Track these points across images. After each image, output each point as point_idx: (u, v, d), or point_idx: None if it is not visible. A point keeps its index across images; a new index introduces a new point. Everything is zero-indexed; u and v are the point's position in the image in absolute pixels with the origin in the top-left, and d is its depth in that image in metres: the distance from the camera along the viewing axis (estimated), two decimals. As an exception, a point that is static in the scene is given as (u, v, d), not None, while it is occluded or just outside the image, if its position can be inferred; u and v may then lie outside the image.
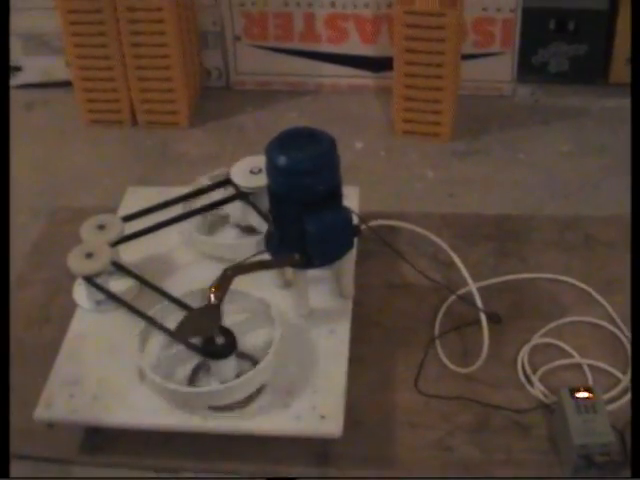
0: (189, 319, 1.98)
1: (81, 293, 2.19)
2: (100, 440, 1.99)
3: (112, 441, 1.98)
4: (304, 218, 1.93)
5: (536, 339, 2.21)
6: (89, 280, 2.12)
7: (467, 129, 3.09)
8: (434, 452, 2.00)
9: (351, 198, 2.31)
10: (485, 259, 2.46)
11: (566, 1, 3.15)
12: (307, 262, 2.02)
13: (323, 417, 1.90)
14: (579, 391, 1.96)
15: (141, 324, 2.01)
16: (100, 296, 2.15)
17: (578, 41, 3.21)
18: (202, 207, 2.27)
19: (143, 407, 1.95)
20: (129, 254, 2.25)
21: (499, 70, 3.24)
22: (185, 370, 2.01)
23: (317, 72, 3.35)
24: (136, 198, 2.38)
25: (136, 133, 3.20)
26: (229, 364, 1.94)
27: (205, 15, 3.27)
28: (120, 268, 2.17)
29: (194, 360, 2.01)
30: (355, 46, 3.26)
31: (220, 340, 1.93)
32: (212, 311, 1.93)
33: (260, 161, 2.04)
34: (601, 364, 2.14)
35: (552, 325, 2.25)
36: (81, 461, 2.02)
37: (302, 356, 2.03)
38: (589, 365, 2.14)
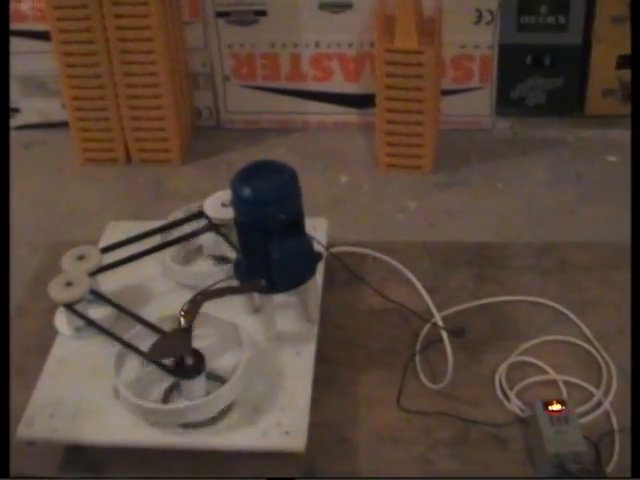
0: (161, 342, 2.10)
1: (62, 321, 2.33)
2: (98, 459, 2.09)
3: (109, 459, 2.08)
4: (268, 246, 2.07)
5: (513, 357, 2.32)
6: (69, 307, 2.25)
7: (448, 161, 3.16)
8: (416, 466, 2.10)
9: (319, 229, 2.46)
10: (465, 284, 2.59)
11: (542, 37, 3.21)
12: (272, 287, 2.16)
13: (287, 433, 2.03)
14: (552, 404, 2.08)
15: (117, 347, 2.12)
16: (79, 323, 2.31)
17: (554, 75, 3.29)
18: (176, 238, 2.43)
19: (118, 425, 2.09)
20: (108, 284, 2.40)
21: (478, 105, 3.31)
22: (159, 390, 2.13)
23: (303, 110, 3.41)
24: (116, 231, 2.52)
25: (130, 170, 3.27)
26: (198, 384, 2.06)
27: (195, 57, 3.34)
28: (98, 296, 2.31)
29: (167, 381, 2.13)
30: (339, 84, 3.34)
31: (189, 361, 2.04)
32: (183, 334, 2.05)
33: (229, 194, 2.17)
34: (576, 380, 2.27)
35: (529, 344, 2.38)
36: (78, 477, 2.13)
37: (269, 376, 2.18)
38: (564, 381, 2.26)
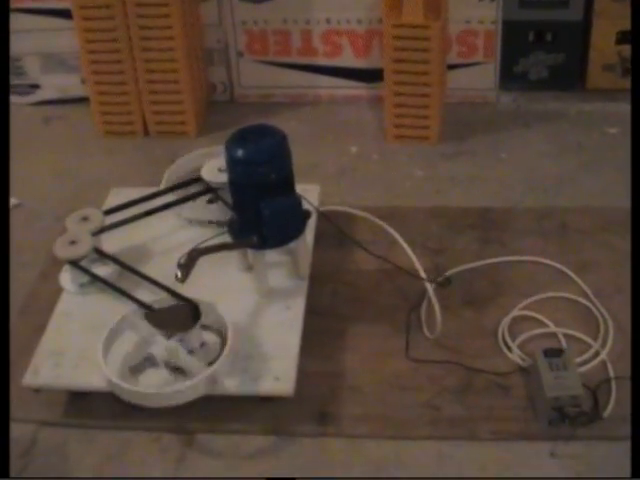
0: (169, 312, 2.23)
1: (66, 278, 2.47)
2: (119, 407, 2.21)
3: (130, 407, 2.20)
4: (260, 204, 2.22)
5: (515, 312, 2.44)
6: (73, 264, 2.38)
7: (454, 133, 3.27)
8: (423, 410, 2.23)
9: (312, 194, 2.62)
10: (469, 245, 2.71)
11: (544, 13, 3.30)
12: (263, 243, 2.31)
13: (277, 379, 2.17)
14: (552, 352, 2.19)
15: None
16: (83, 280, 2.45)
17: (556, 50, 3.38)
18: (175, 201, 2.60)
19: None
20: (110, 244, 2.53)
21: (483, 79, 3.41)
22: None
23: (314, 84, 3.51)
24: (119, 197, 2.69)
25: (147, 142, 3.38)
26: (195, 334, 2.18)
27: (210, 33, 3.45)
28: (101, 254, 2.45)
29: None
30: (349, 59, 3.44)
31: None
32: (189, 309, 2.19)
33: None
34: (575, 332, 2.38)
35: (530, 300, 2.50)
36: (108, 425, 2.25)
37: (261, 329, 2.30)
38: (564, 334, 2.38)
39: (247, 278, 2.43)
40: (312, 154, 3.20)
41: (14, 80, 3.61)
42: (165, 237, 2.58)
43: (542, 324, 2.40)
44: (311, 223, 2.48)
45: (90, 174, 3.21)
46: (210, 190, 2.58)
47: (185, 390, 2.08)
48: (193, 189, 2.61)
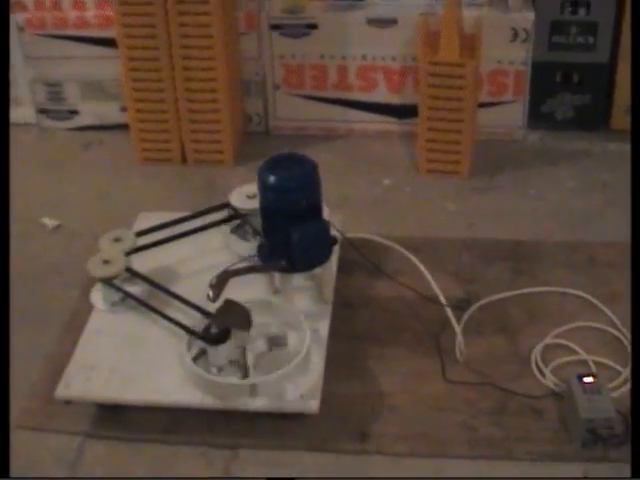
0: (227, 311, 2.31)
1: (97, 297, 2.56)
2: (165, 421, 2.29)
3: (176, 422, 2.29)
4: (289, 229, 2.32)
5: (547, 340, 2.53)
6: (106, 282, 2.48)
7: (483, 169, 3.36)
8: (460, 430, 2.31)
9: (337, 221, 2.70)
10: (501, 276, 2.80)
11: (571, 55, 3.40)
12: (292, 267, 2.41)
13: (302, 396, 2.24)
14: (586, 376, 2.28)
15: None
16: (115, 298, 2.52)
17: (582, 92, 3.48)
18: (204, 225, 2.70)
19: (147, 387, 2.32)
20: (141, 265, 2.61)
21: (511, 117, 3.51)
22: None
23: (348, 118, 3.60)
24: (147, 221, 2.78)
25: (185, 170, 3.47)
26: (223, 350, 2.29)
27: (249, 66, 3.53)
28: (134, 274, 2.54)
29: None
30: (383, 95, 3.52)
31: (214, 329, 2.27)
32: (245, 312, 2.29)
33: (255, 188, 2.43)
34: (604, 360, 2.47)
35: (561, 329, 2.58)
36: (155, 439, 2.33)
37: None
38: (594, 361, 2.46)
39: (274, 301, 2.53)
40: (345, 186, 3.29)
41: (53, 105, 3.72)
42: (193, 260, 2.67)
43: (573, 352, 2.49)
44: (335, 250, 2.58)
45: (128, 198, 3.28)
46: (238, 216, 2.68)
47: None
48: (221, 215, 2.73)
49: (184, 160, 3.50)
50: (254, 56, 3.52)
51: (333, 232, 2.46)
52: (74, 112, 3.73)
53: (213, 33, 3.20)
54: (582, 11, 3.33)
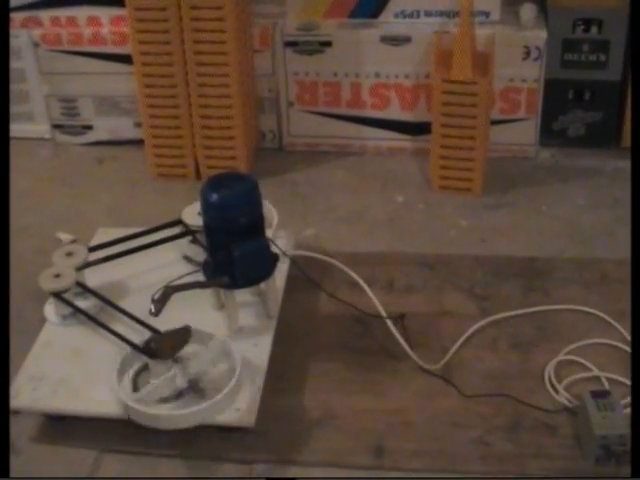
0: (165, 338, 2.37)
1: (50, 310, 2.61)
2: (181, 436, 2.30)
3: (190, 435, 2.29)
4: (230, 246, 2.36)
5: (560, 356, 2.54)
6: (57, 296, 2.52)
7: (495, 186, 3.38)
8: (475, 446, 2.32)
9: (286, 239, 2.79)
10: (514, 292, 2.81)
11: (583, 73, 3.42)
12: (234, 283, 2.44)
13: (238, 410, 2.27)
14: (599, 393, 2.29)
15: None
16: (66, 311, 2.56)
17: (594, 109, 3.50)
18: (154, 242, 2.75)
19: (92, 399, 2.36)
20: (93, 279, 2.65)
21: (523, 135, 3.53)
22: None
23: (361, 135, 3.62)
24: (105, 236, 2.84)
25: (199, 185, 3.44)
26: (165, 364, 2.32)
27: (263, 83, 3.56)
28: (84, 288, 2.59)
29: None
30: (396, 112, 3.55)
31: (155, 344, 2.31)
32: (184, 332, 2.35)
33: None
34: (617, 377, 2.48)
35: (573, 346, 2.60)
36: (171, 454, 2.35)
37: (229, 363, 2.42)
38: (607, 377, 2.47)
39: (218, 316, 2.57)
40: (359, 202, 3.32)
41: (68, 120, 3.75)
42: (144, 275, 2.71)
43: (586, 368, 2.50)
44: (282, 267, 2.64)
45: (142, 214, 3.30)
46: (189, 232, 2.73)
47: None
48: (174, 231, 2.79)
49: (198, 176, 3.52)
50: (268, 73, 3.55)
51: (274, 249, 2.54)
52: (88, 127, 3.77)
53: (228, 50, 3.23)
54: (594, 29, 3.34)
